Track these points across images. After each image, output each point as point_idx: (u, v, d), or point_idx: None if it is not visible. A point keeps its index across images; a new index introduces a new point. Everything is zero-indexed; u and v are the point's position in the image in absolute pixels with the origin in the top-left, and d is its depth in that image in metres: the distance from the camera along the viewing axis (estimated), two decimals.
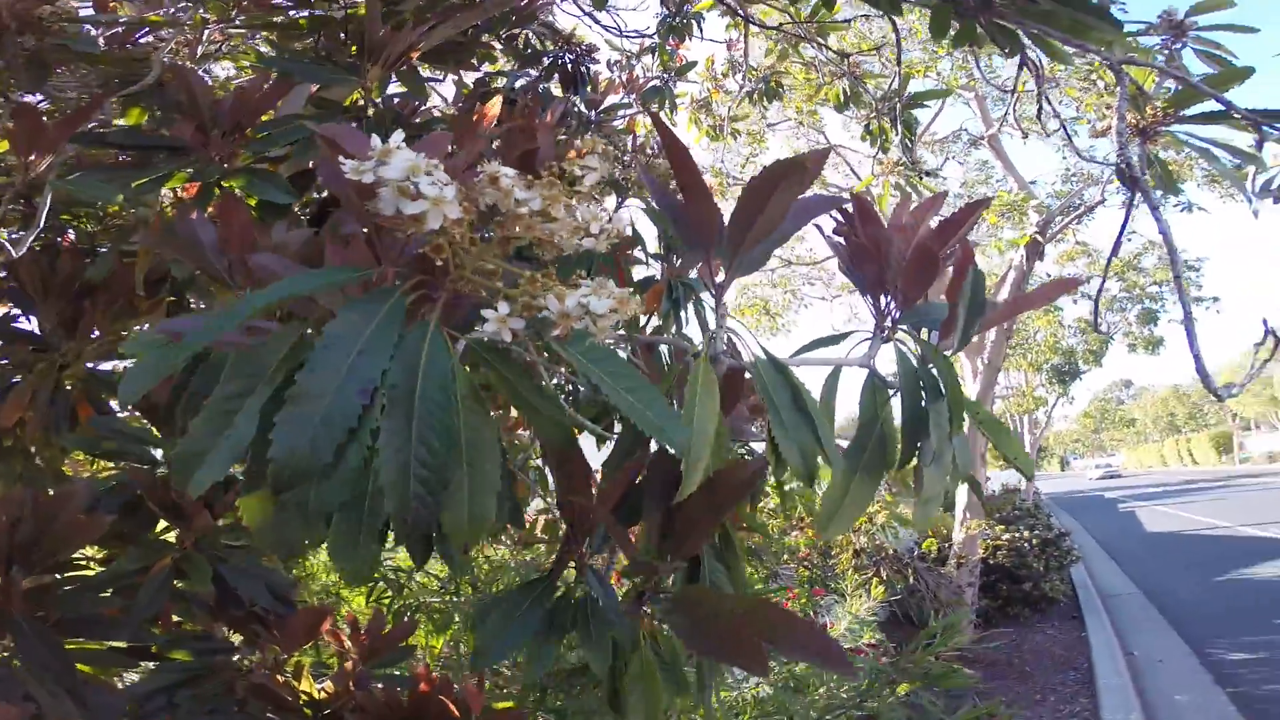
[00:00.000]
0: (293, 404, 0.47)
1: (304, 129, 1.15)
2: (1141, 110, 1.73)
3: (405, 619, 2.09)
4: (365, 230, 0.62)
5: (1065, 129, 2.12)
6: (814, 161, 0.66)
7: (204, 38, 1.62)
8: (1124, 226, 1.76)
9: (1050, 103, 2.24)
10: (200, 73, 1.78)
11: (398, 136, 0.52)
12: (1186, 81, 1.64)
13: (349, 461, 0.48)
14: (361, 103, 1.33)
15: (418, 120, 1.43)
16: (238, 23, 1.52)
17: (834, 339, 0.89)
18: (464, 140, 0.93)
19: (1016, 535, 6.48)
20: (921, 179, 3.08)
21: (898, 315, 0.84)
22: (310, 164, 1.31)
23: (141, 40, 1.45)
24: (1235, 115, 1.63)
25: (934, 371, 0.77)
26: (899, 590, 4.78)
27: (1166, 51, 1.91)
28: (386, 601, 2.30)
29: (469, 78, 2.14)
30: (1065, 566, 6.93)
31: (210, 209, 1.09)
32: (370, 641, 1.44)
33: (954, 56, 6.37)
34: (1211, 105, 1.66)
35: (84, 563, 1.21)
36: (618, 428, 1.06)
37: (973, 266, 0.80)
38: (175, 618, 1.26)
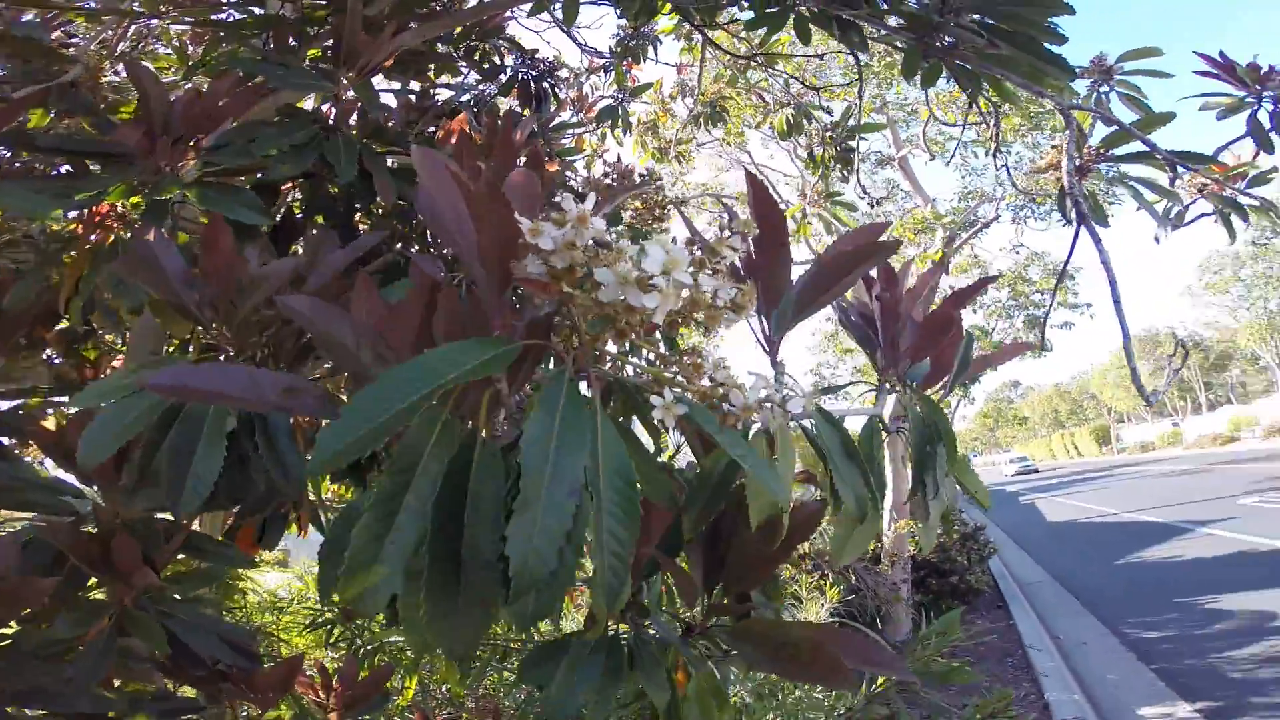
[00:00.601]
0: (519, 513, 0.44)
1: (277, 138, 1.02)
2: (1080, 150, 1.84)
3: (366, 661, 1.93)
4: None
5: (1005, 161, 2.21)
6: (895, 248, 0.76)
7: (126, 33, 1.43)
8: (1070, 255, 1.85)
9: (997, 137, 2.34)
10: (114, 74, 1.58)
11: (589, 205, 0.49)
12: (1120, 125, 1.74)
13: (566, 563, 0.46)
14: (328, 109, 1.21)
15: (388, 131, 1.31)
16: (170, 18, 1.35)
17: (835, 389, 0.96)
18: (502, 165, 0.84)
19: (938, 532, 6.75)
20: (836, 208, 3.18)
21: (906, 371, 0.95)
22: (282, 181, 1.17)
23: (50, 37, 1.26)
24: (1157, 156, 1.76)
25: (936, 420, 0.88)
26: (843, 592, 4.88)
27: (1095, 93, 2.04)
28: (344, 646, 2.11)
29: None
30: (985, 559, 7.27)
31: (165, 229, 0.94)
32: (348, 690, 1.33)
33: (870, 83, 6.66)
34: (1136, 145, 1.79)
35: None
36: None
37: (967, 331, 0.95)
38: (116, 681, 1.09)
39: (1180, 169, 1.83)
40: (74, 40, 1.51)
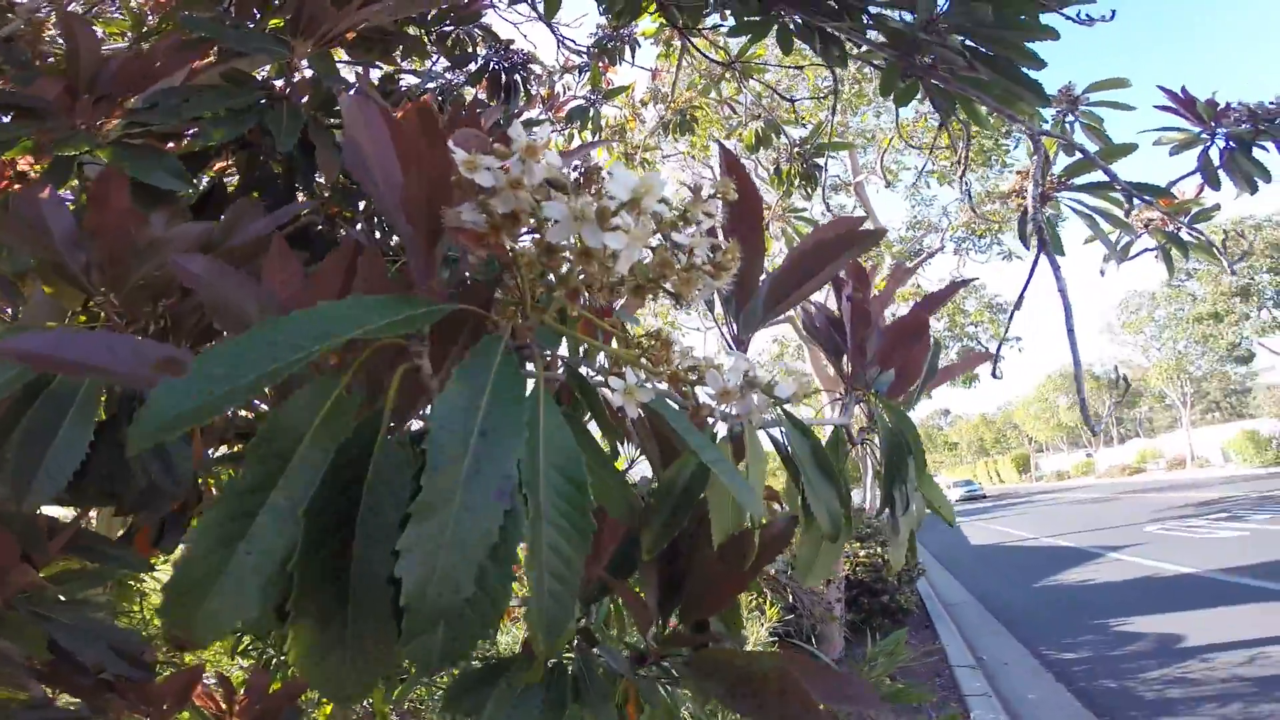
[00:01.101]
0: (419, 519, 0.32)
1: (214, 101, 0.89)
2: (1043, 178, 1.84)
3: (279, 672, 1.77)
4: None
5: (970, 191, 2.22)
6: (881, 235, 0.69)
7: None
8: (1028, 281, 1.84)
9: (965, 159, 2.34)
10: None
11: (545, 131, 0.37)
12: (1085, 154, 1.75)
13: (488, 588, 0.35)
14: (278, 81, 1.08)
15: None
16: None
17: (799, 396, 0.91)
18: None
19: (872, 551, 6.84)
20: (799, 223, 3.17)
21: (875, 378, 0.89)
22: (213, 146, 1.03)
23: None
24: (1117, 187, 1.78)
25: (905, 432, 0.82)
26: (781, 611, 4.86)
27: (1061, 121, 2.06)
28: (253, 657, 1.93)
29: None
30: (914, 579, 7.41)
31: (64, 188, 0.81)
32: (254, 704, 1.19)
33: (824, 106, 6.77)
34: (1096, 175, 1.81)
35: None
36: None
37: (934, 338, 0.91)
38: None
39: (1138, 200, 1.85)
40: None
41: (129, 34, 1.69)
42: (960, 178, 2.69)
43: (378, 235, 1.26)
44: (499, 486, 0.33)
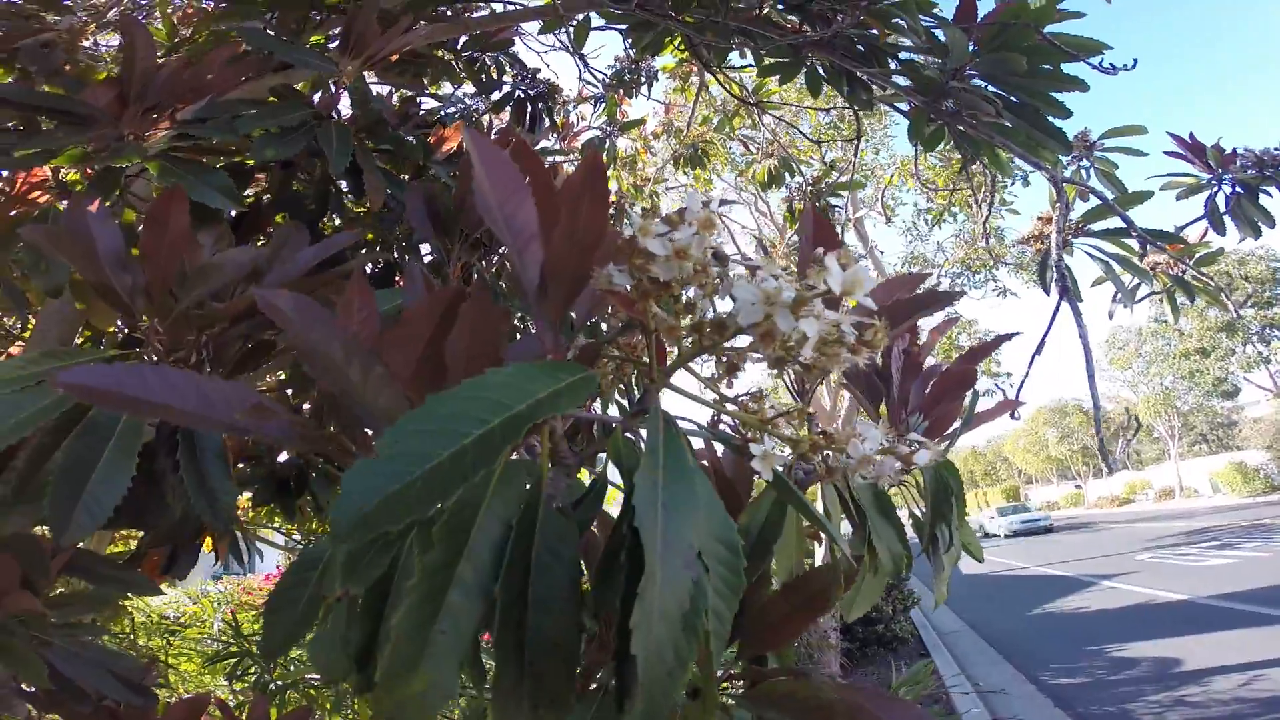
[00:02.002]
0: (645, 593, 0.31)
1: (267, 117, 0.86)
2: (1065, 223, 1.84)
3: (276, 698, 1.70)
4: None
5: (987, 229, 2.21)
6: (958, 297, 0.73)
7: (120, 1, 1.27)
8: (1049, 327, 1.83)
9: (993, 205, 2.34)
10: (95, 43, 1.41)
11: (715, 206, 0.39)
12: (1103, 201, 1.75)
13: (682, 657, 0.34)
14: (321, 100, 1.06)
15: (387, 127, 1.16)
16: None
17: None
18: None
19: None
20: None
21: (920, 427, 0.90)
22: (265, 164, 1.01)
23: None
24: (1134, 233, 1.77)
25: (949, 477, 0.85)
26: None
27: (1075, 167, 2.06)
28: (250, 678, 1.86)
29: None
30: (908, 608, 7.32)
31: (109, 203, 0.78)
32: None
33: (836, 146, 6.86)
34: (1112, 220, 1.80)
35: None
36: None
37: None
38: None
39: (1151, 245, 1.85)
40: (65, 3, 1.35)
41: (162, 44, 1.69)
42: (984, 223, 2.70)
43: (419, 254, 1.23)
44: (685, 558, 0.33)
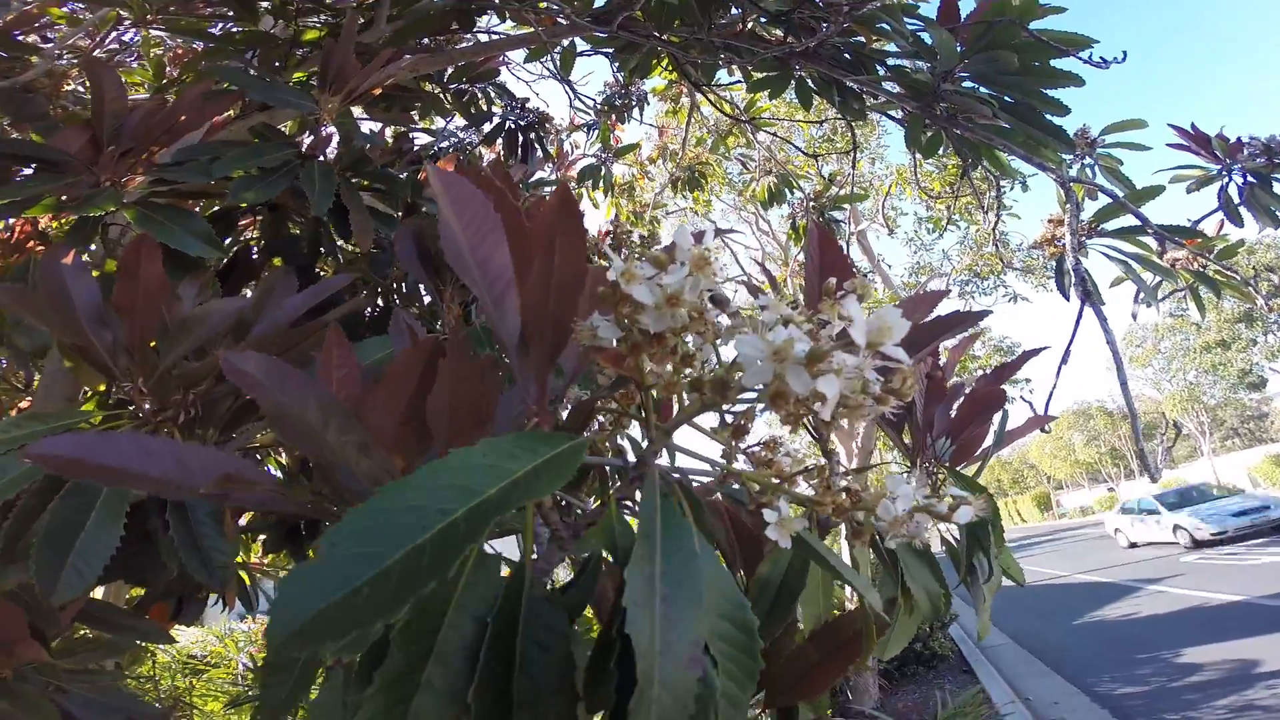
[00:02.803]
0: (639, 702, 0.28)
1: (245, 158, 0.86)
2: (1077, 225, 1.82)
3: None
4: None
5: (995, 234, 2.20)
6: (983, 316, 0.70)
7: (104, 41, 1.29)
8: (1074, 334, 1.80)
9: (999, 211, 2.34)
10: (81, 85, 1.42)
11: (708, 241, 0.36)
12: (1114, 199, 1.73)
13: None
14: (303, 137, 1.07)
15: (372, 164, 1.16)
16: (156, 27, 1.21)
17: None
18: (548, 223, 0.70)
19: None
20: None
21: (947, 451, 0.87)
22: (244, 207, 1.01)
23: (18, 37, 1.10)
24: (1149, 230, 1.75)
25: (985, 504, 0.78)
26: None
27: (1081, 165, 2.05)
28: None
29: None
30: (946, 625, 7.14)
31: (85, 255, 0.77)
32: None
33: (832, 160, 6.89)
34: (1125, 219, 1.78)
35: None
36: None
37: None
38: None
39: (1169, 241, 1.82)
40: (48, 46, 1.36)
41: (148, 85, 1.70)
42: (994, 229, 2.69)
43: (415, 309, 1.22)
44: (688, 656, 0.29)
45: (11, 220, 0.95)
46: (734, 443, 0.42)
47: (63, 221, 0.89)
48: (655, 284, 0.33)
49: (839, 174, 3.16)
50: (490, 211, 0.38)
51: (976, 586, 0.84)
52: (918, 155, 1.72)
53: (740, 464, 0.48)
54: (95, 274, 0.71)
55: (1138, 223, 1.72)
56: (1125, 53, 1.67)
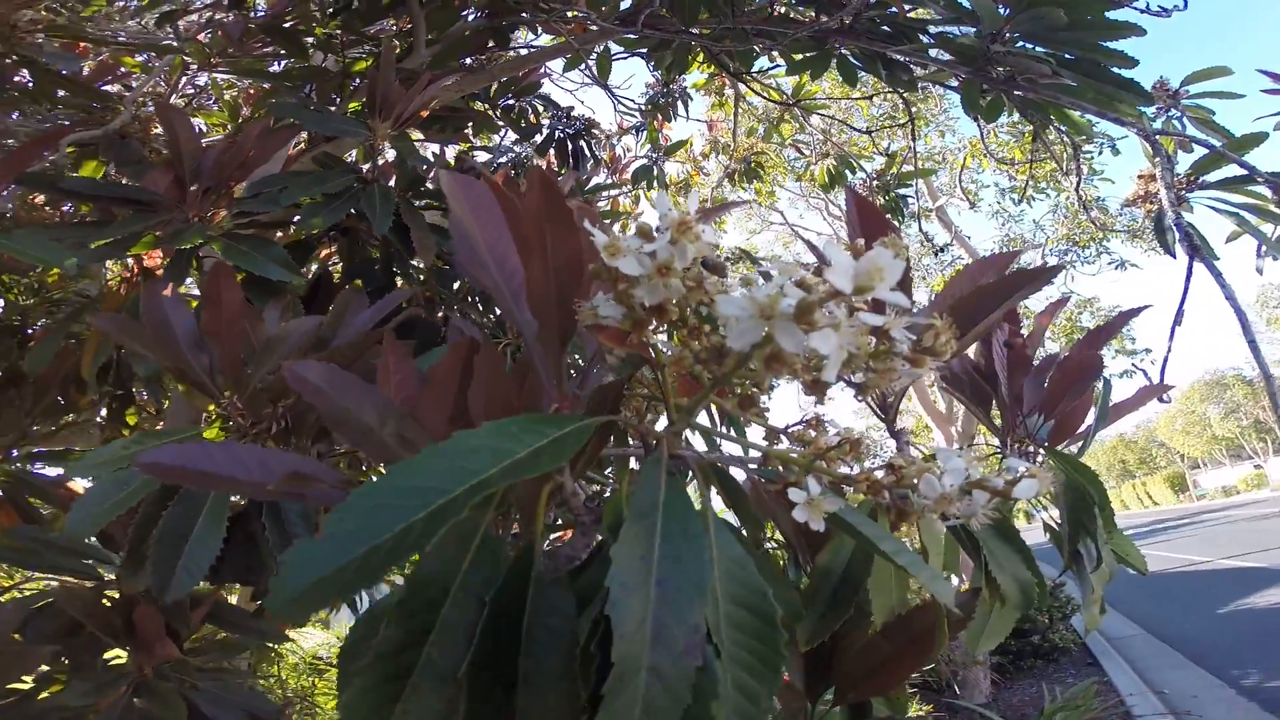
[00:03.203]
0: (612, 697, 0.28)
1: (309, 186, 0.95)
2: (1172, 179, 1.69)
3: None
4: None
5: (1082, 198, 2.07)
6: (1056, 272, 0.66)
7: (179, 85, 1.45)
8: (1184, 295, 1.67)
9: (1080, 173, 2.21)
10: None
11: (692, 206, 0.34)
12: (1212, 149, 1.60)
13: None
14: (365, 165, 1.16)
15: (428, 183, 1.24)
16: (220, 70, 1.35)
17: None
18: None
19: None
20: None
21: (1039, 427, 0.82)
22: (314, 232, 1.11)
23: (105, 87, 1.25)
24: (1258, 179, 1.59)
25: (1087, 484, 0.76)
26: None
27: (1166, 118, 1.90)
28: None
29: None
30: (1067, 616, 6.70)
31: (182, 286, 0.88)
32: None
33: (897, 135, 6.59)
34: (1228, 169, 1.63)
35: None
36: None
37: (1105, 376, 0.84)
38: None
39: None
40: (130, 93, 1.53)
41: (228, 125, 1.87)
42: (1076, 189, 2.52)
43: (480, 309, 1.29)
44: (686, 642, 0.29)
45: (129, 260, 1.08)
46: (743, 415, 0.40)
47: (165, 260, 1.01)
48: (642, 254, 0.33)
49: (904, 150, 3.04)
50: (499, 211, 0.40)
51: (1084, 576, 0.78)
52: (983, 123, 1.64)
53: (782, 445, 0.46)
54: (193, 304, 0.81)
55: (1244, 172, 1.58)
56: (1185, 0, 1.53)
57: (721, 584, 0.33)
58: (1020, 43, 1.26)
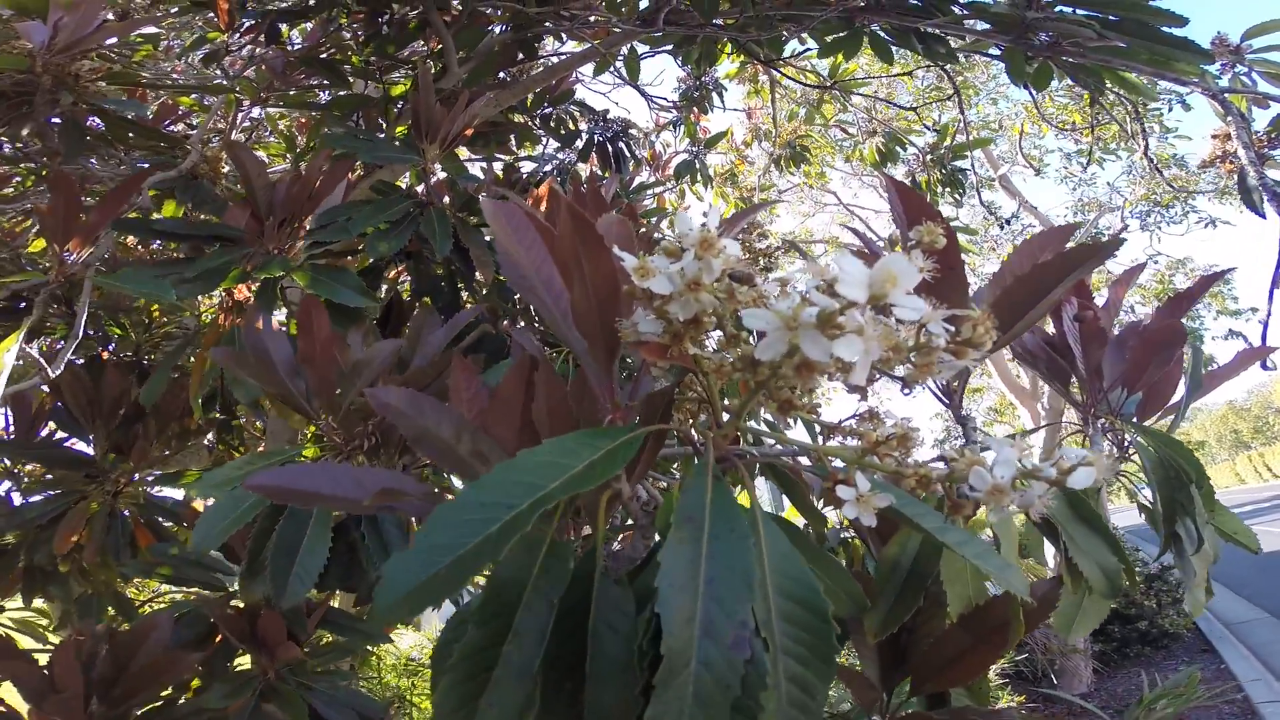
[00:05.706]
0: (662, 688, 0.31)
1: (372, 215, 1.04)
2: (1250, 137, 1.63)
3: None
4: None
5: (1153, 158, 1.99)
6: (1120, 244, 0.62)
7: (237, 121, 1.58)
8: None
9: (1146, 134, 2.13)
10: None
11: (713, 222, 0.37)
12: None
13: None
14: (420, 187, 1.25)
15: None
16: (271, 105, 1.47)
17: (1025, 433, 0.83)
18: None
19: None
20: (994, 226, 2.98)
21: (1123, 401, 0.79)
22: (381, 258, 1.20)
23: (169, 128, 1.37)
24: None
25: (1181, 460, 0.73)
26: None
27: (1232, 75, 1.82)
28: None
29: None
30: (1179, 600, 6.34)
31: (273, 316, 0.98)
32: None
33: (947, 106, 6.37)
34: None
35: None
36: None
37: (1194, 344, 0.80)
38: None
39: None
40: (194, 134, 1.66)
41: (288, 156, 2.01)
42: (1144, 152, 2.43)
43: (538, 320, 1.36)
44: (735, 637, 0.32)
45: (219, 293, 1.20)
46: (782, 418, 0.44)
47: (253, 292, 1.11)
48: (670, 274, 0.36)
49: (955, 121, 2.97)
50: (537, 235, 0.45)
51: (1184, 559, 0.75)
52: (1031, 90, 1.62)
53: (834, 441, 0.47)
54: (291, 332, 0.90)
55: None
56: None
57: (771, 579, 0.36)
58: (1059, 7, 1.24)
